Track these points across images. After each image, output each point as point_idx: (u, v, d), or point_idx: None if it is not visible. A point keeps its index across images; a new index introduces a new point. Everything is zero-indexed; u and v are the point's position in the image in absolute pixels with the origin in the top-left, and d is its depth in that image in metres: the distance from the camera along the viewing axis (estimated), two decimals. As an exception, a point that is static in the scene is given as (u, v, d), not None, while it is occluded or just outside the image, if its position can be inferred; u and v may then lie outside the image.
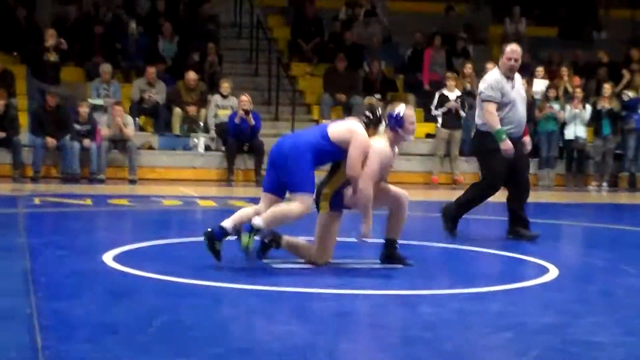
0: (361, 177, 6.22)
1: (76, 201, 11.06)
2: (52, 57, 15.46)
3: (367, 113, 6.57)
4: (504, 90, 8.02)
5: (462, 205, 8.39)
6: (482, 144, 8.22)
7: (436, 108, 15.61)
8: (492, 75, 8.14)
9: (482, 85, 8.18)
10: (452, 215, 8.34)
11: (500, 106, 8.02)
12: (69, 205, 10.71)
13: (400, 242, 6.84)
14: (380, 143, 6.41)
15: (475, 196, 8.38)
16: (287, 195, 6.38)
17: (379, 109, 6.65)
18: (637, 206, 13.93)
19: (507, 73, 8.08)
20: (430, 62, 17.48)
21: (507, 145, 7.96)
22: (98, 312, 4.73)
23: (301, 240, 6.54)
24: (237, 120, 14.77)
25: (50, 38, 15.50)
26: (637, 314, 5.16)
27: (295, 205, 6.20)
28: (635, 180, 16.05)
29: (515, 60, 8.06)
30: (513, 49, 8.09)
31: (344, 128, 6.37)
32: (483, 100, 8.08)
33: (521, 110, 8.17)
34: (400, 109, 6.52)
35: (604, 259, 7.30)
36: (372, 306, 5.20)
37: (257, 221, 6.09)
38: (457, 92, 15.60)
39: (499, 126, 7.97)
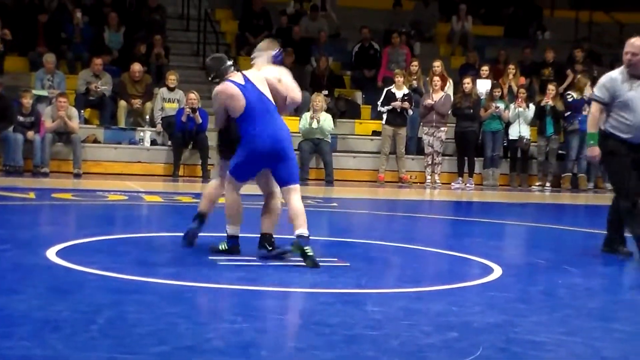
0: None
1: (19, 194, 10.91)
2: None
3: (209, 77, 6.82)
4: (617, 91, 7.23)
5: (612, 222, 7.61)
6: (600, 147, 7.44)
7: (382, 105, 15.65)
8: (610, 73, 7.42)
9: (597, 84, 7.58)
10: (611, 237, 7.61)
11: (613, 107, 7.29)
12: (11, 198, 10.55)
13: (346, 240, 6.90)
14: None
15: (620, 209, 7.45)
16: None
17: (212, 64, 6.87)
18: (580, 206, 14.14)
19: (625, 69, 7.27)
20: (388, 60, 17.52)
21: (593, 152, 7.38)
22: (40, 308, 4.67)
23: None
24: (183, 119, 14.67)
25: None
26: (578, 314, 5.24)
27: (295, 197, 6.46)
28: (577, 180, 16.27)
29: (633, 54, 7.19)
30: (629, 42, 7.27)
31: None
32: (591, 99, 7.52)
33: None
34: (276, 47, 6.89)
35: (547, 258, 7.38)
36: (318, 304, 5.21)
37: (302, 231, 6.33)
38: (405, 90, 15.64)
39: (593, 129, 7.33)
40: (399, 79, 15.63)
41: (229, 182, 6.60)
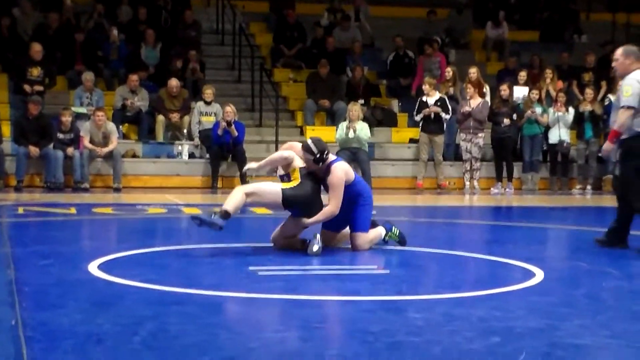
0: None
1: (60, 210, 11.01)
2: (36, 72, 15.41)
3: (317, 155, 7.27)
4: None
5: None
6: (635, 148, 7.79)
7: (416, 114, 15.65)
8: (636, 79, 7.65)
9: None
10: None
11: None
12: (53, 214, 10.66)
13: (386, 247, 6.92)
14: None
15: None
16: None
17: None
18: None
19: None
20: (423, 69, 17.48)
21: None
22: (83, 321, 4.69)
23: None
24: (219, 132, 14.75)
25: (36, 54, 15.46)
26: (622, 317, 5.17)
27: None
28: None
29: None
30: None
31: None
32: None
33: None
34: None
35: (589, 262, 7.30)
36: (359, 312, 5.19)
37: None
38: (437, 96, 15.59)
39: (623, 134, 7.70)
40: (427, 87, 15.59)
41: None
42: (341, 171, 7.26)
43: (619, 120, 7.69)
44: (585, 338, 4.55)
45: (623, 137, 7.72)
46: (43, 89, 15.39)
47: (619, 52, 7.84)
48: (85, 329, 4.52)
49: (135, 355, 4.04)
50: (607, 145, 7.88)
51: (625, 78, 7.75)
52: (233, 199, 7.07)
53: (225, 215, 6.99)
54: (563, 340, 4.49)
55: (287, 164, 7.28)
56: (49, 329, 4.50)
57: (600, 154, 8.49)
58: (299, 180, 7.20)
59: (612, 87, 16.69)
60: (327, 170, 7.25)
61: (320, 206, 7.27)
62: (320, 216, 7.25)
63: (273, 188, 7.15)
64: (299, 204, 7.17)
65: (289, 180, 7.22)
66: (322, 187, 7.37)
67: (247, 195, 7.10)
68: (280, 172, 7.37)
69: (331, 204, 7.24)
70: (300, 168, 7.25)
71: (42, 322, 4.63)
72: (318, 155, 7.18)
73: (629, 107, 7.63)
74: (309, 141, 7.27)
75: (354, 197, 7.37)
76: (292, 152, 7.35)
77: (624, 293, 6.05)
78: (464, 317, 4.98)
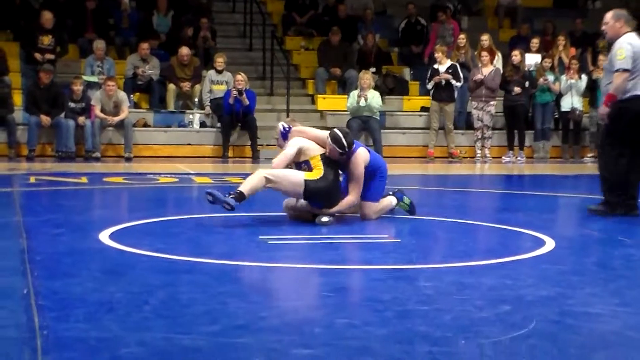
0: None
1: (72, 179, 11.04)
2: (47, 40, 15.38)
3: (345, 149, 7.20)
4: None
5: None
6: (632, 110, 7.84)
7: (428, 82, 15.59)
8: (631, 41, 7.70)
9: None
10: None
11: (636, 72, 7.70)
12: (64, 183, 10.68)
13: (397, 216, 6.91)
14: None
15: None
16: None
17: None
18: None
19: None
20: (436, 37, 17.35)
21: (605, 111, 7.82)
22: (95, 290, 4.72)
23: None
24: (230, 101, 14.73)
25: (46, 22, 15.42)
26: (633, 285, 5.17)
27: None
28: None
29: None
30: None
31: None
32: None
33: None
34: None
35: (600, 230, 7.30)
36: (370, 280, 5.20)
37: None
38: (448, 63, 15.52)
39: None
40: (439, 54, 15.51)
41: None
42: (362, 160, 7.24)
43: (615, 83, 7.68)
44: (595, 306, 4.55)
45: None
46: (54, 57, 15.38)
47: (608, 15, 7.85)
48: (97, 297, 4.54)
49: (146, 323, 4.06)
50: (603, 109, 7.83)
51: (617, 41, 7.75)
52: (251, 182, 6.99)
53: (240, 197, 6.91)
54: (573, 308, 4.49)
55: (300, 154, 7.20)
56: (60, 297, 4.53)
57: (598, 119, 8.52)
58: (322, 171, 7.07)
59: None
60: (348, 158, 7.22)
61: (340, 196, 7.24)
62: (341, 207, 7.23)
63: (296, 178, 7.04)
64: (321, 197, 7.09)
65: (310, 169, 7.14)
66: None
67: (268, 180, 6.99)
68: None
69: (352, 194, 7.24)
70: (321, 155, 7.18)
71: (54, 291, 4.65)
72: (347, 149, 7.12)
73: (624, 70, 7.63)
74: (340, 134, 7.10)
75: (371, 172, 7.40)
76: (302, 141, 7.23)
77: (635, 261, 6.04)
78: (475, 286, 4.99)
